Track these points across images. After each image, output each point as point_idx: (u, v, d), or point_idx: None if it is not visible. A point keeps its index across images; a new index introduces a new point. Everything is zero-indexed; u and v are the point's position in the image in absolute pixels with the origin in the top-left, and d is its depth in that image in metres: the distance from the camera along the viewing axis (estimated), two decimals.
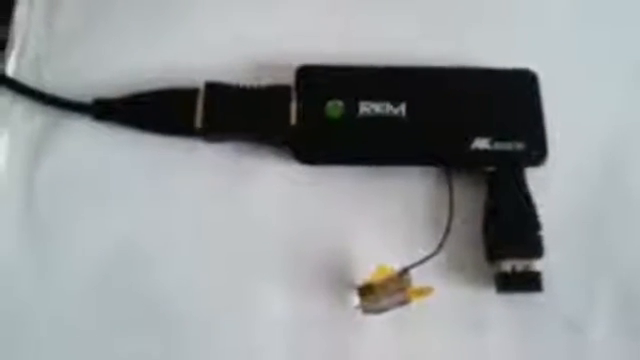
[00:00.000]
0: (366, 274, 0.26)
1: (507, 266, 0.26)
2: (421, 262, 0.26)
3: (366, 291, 0.26)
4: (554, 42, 0.31)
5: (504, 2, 0.31)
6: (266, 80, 0.28)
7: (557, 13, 0.31)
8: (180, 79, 0.28)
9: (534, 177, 0.28)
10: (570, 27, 0.31)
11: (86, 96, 0.28)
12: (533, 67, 0.29)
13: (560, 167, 0.28)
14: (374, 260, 0.26)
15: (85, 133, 0.28)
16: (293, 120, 0.28)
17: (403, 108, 0.28)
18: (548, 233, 0.27)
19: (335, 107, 0.28)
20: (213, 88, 0.28)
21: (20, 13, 0.30)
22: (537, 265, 0.26)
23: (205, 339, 0.26)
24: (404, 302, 0.26)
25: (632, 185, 0.29)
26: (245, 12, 0.31)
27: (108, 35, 0.30)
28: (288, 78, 0.28)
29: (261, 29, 0.30)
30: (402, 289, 0.25)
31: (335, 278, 0.27)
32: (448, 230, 0.26)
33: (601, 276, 0.27)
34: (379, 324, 0.26)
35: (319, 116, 0.28)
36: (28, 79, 0.29)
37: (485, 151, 0.27)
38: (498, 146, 0.27)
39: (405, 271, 0.26)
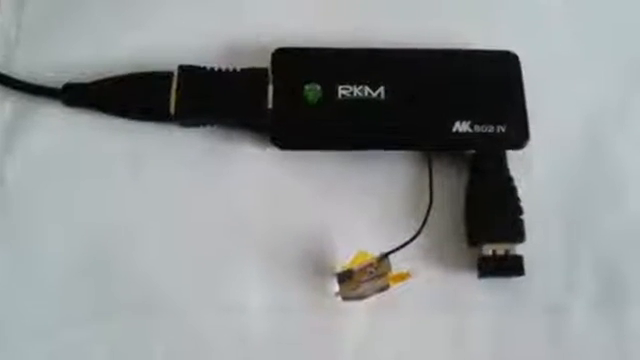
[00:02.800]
0: (346, 260, 0.25)
1: (488, 250, 0.26)
2: (400, 247, 0.25)
3: (345, 277, 0.25)
4: (535, 23, 0.30)
5: None
6: (242, 63, 0.28)
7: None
8: (154, 64, 0.28)
9: (516, 159, 0.27)
10: (551, 7, 0.31)
11: (58, 82, 0.28)
12: (514, 48, 0.28)
13: (542, 149, 0.28)
14: (354, 246, 0.25)
15: (56, 119, 0.28)
16: (270, 104, 0.27)
17: (382, 91, 0.27)
18: (529, 215, 0.26)
19: (313, 90, 0.27)
20: (187, 71, 0.27)
21: None
22: (518, 249, 0.26)
23: (184, 328, 0.25)
24: (383, 288, 0.25)
25: (613, 167, 0.28)
26: None
27: (80, 19, 0.29)
28: (265, 61, 0.28)
29: (236, 11, 0.30)
30: (381, 275, 0.25)
31: (314, 264, 0.26)
32: (428, 215, 0.26)
33: (582, 258, 0.27)
34: (359, 310, 0.26)
35: (296, 100, 0.27)
36: None
37: (466, 134, 0.27)
38: (479, 129, 0.27)
39: (384, 256, 0.25)
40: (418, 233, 0.26)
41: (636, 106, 0.30)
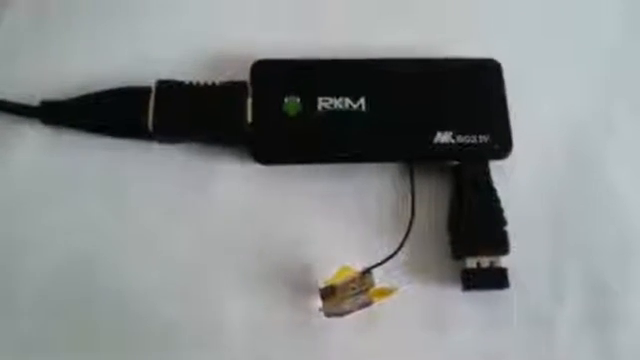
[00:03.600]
0: (328, 275, 0.25)
1: (472, 263, 0.26)
2: (383, 262, 0.25)
3: (328, 293, 0.25)
4: (517, 32, 0.30)
5: None
6: (221, 77, 0.28)
7: (521, 2, 0.31)
8: (132, 79, 0.27)
9: (499, 170, 0.27)
10: (534, 17, 0.31)
11: (34, 99, 0.27)
12: (496, 57, 0.28)
13: (525, 159, 0.28)
14: (336, 261, 0.25)
15: (34, 137, 0.27)
16: (249, 118, 0.27)
17: (363, 102, 0.27)
18: (513, 226, 0.26)
19: (292, 103, 0.27)
20: (165, 86, 0.27)
21: None
22: (503, 261, 0.26)
23: (167, 346, 0.25)
24: (367, 304, 0.25)
25: (596, 177, 0.28)
26: (197, 7, 0.30)
27: (57, 35, 0.29)
28: (244, 75, 0.27)
29: (214, 24, 0.29)
30: (364, 290, 0.25)
31: (297, 281, 0.26)
32: (410, 227, 0.26)
33: (567, 269, 0.27)
34: (342, 326, 0.25)
35: (276, 113, 0.27)
36: None
37: (448, 145, 0.27)
38: (461, 139, 0.27)
39: (367, 271, 0.25)
40: (400, 247, 0.26)
41: (619, 116, 0.30)
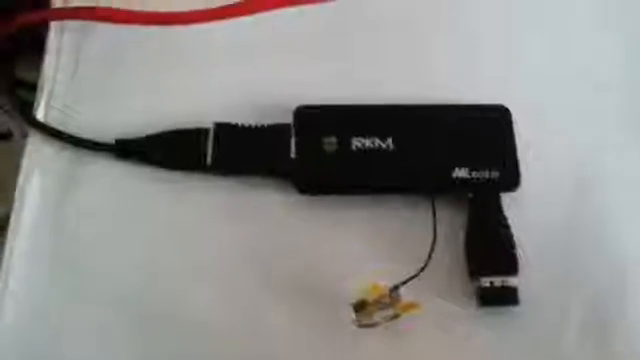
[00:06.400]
0: (361, 292, 0.28)
1: (486, 282, 0.29)
2: (409, 280, 0.28)
3: (360, 307, 0.28)
4: (522, 76, 0.34)
5: (472, 45, 0.35)
6: (268, 120, 0.32)
7: (525, 52, 0.35)
8: (191, 121, 0.31)
9: (509, 200, 0.31)
10: (534, 60, 0.35)
11: (106, 137, 0.31)
12: (505, 101, 0.32)
13: (533, 191, 0.31)
14: (366, 279, 0.28)
15: (107, 169, 0.31)
16: (293, 154, 0.31)
17: (390, 142, 0.31)
18: (523, 252, 0.29)
19: (330, 142, 0.31)
20: (222, 127, 0.31)
21: (48, 63, 0.33)
22: (513, 281, 0.29)
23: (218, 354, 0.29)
24: (395, 316, 0.28)
25: (601, 205, 0.31)
26: (248, 59, 0.34)
27: (126, 83, 0.33)
28: (288, 118, 0.31)
29: (262, 74, 0.33)
30: (392, 305, 0.28)
31: (333, 297, 0.29)
32: (432, 251, 0.29)
33: (573, 294, 0.30)
34: (372, 337, 0.29)
35: (316, 151, 0.31)
36: (56, 122, 0.32)
37: (464, 179, 0.30)
38: (476, 174, 0.30)
39: (395, 288, 0.28)
40: (424, 267, 0.29)
41: (626, 149, 0.33)
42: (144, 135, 0.31)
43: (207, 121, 0.31)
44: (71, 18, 0.34)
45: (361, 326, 0.28)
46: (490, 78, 0.34)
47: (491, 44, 0.35)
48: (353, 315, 0.28)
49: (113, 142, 0.31)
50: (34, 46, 0.35)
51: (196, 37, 0.33)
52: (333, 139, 0.31)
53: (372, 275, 0.28)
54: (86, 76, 0.33)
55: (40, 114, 0.33)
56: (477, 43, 0.35)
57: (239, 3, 0.32)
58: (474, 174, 0.30)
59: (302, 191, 0.31)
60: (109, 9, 0.33)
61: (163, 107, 0.32)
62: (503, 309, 0.29)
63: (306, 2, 0.33)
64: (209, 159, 0.31)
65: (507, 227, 0.30)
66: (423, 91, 0.33)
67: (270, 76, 0.33)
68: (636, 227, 0.31)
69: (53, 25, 0.34)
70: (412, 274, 0.28)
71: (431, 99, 0.32)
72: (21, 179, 0.31)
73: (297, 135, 0.31)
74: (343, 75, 0.33)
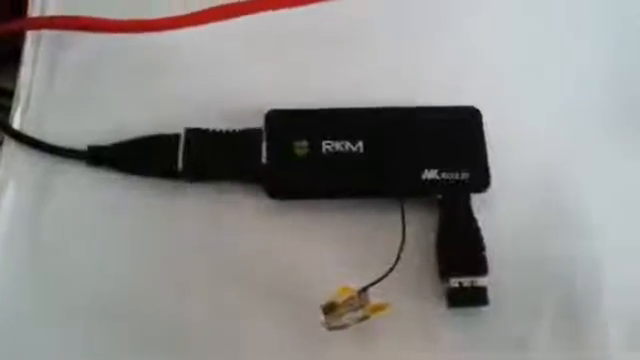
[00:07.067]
0: (329, 295, 0.28)
1: (456, 283, 0.29)
2: (377, 281, 0.28)
3: (329, 309, 0.28)
4: (493, 76, 0.34)
5: (441, 46, 0.35)
6: (239, 125, 0.32)
7: (495, 53, 0.35)
8: (162, 127, 0.32)
9: (479, 201, 0.31)
10: (511, 67, 0.35)
11: (81, 144, 0.32)
12: (476, 103, 0.32)
13: (503, 192, 0.31)
14: (336, 282, 0.28)
15: (80, 177, 0.32)
16: (264, 159, 0.31)
17: (361, 145, 0.31)
18: (493, 253, 0.30)
19: (301, 146, 0.31)
20: (192, 133, 0.31)
21: (24, 73, 0.34)
22: (483, 281, 0.29)
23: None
24: (364, 318, 0.28)
25: (573, 205, 0.31)
26: (218, 65, 0.34)
27: (100, 92, 0.34)
28: (259, 122, 0.32)
29: (233, 79, 0.34)
30: (362, 306, 0.28)
31: (303, 300, 0.29)
32: (400, 252, 0.29)
33: (544, 294, 0.30)
34: (343, 339, 0.29)
35: (287, 155, 0.31)
36: (30, 130, 0.33)
37: (434, 181, 0.31)
38: (445, 176, 0.31)
39: (364, 290, 0.29)
40: (392, 268, 0.29)
41: (598, 149, 0.33)
42: (116, 142, 0.32)
43: (180, 127, 0.32)
44: (47, 27, 0.35)
45: (331, 328, 0.28)
46: (460, 78, 0.34)
47: (459, 43, 0.35)
48: (322, 317, 0.28)
49: (85, 149, 0.32)
50: (15, 56, 0.35)
51: (167, 44, 0.33)
52: (304, 143, 0.31)
53: (342, 278, 0.29)
54: (62, 85, 0.34)
55: (16, 122, 0.33)
56: (444, 42, 0.35)
57: (212, 8, 0.33)
58: (444, 175, 0.31)
59: (272, 196, 0.31)
60: (85, 18, 0.33)
61: (137, 115, 0.33)
62: (473, 309, 0.29)
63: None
64: (180, 165, 0.31)
65: (477, 228, 0.30)
66: (395, 94, 0.33)
67: (240, 81, 0.34)
68: (608, 226, 0.31)
69: (29, 35, 0.35)
70: (380, 276, 0.29)
71: (402, 101, 0.32)
72: None
73: (268, 139, 0.31)
74: (314, 79, 0.34)
